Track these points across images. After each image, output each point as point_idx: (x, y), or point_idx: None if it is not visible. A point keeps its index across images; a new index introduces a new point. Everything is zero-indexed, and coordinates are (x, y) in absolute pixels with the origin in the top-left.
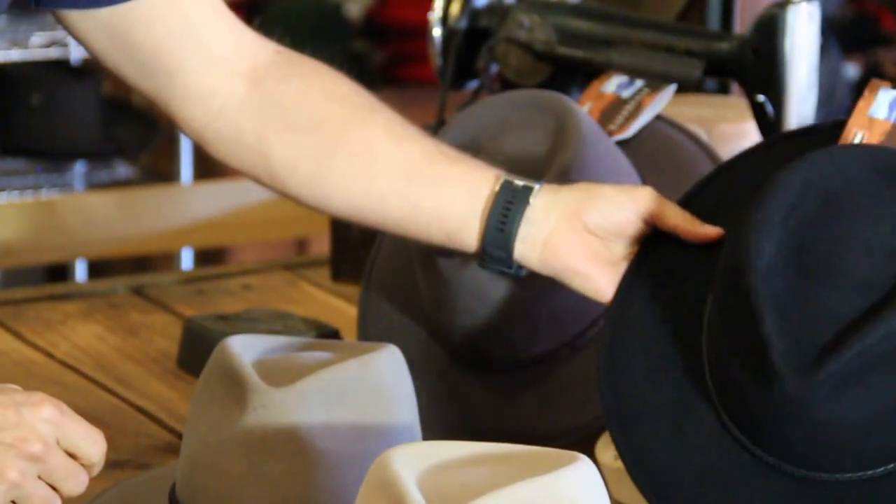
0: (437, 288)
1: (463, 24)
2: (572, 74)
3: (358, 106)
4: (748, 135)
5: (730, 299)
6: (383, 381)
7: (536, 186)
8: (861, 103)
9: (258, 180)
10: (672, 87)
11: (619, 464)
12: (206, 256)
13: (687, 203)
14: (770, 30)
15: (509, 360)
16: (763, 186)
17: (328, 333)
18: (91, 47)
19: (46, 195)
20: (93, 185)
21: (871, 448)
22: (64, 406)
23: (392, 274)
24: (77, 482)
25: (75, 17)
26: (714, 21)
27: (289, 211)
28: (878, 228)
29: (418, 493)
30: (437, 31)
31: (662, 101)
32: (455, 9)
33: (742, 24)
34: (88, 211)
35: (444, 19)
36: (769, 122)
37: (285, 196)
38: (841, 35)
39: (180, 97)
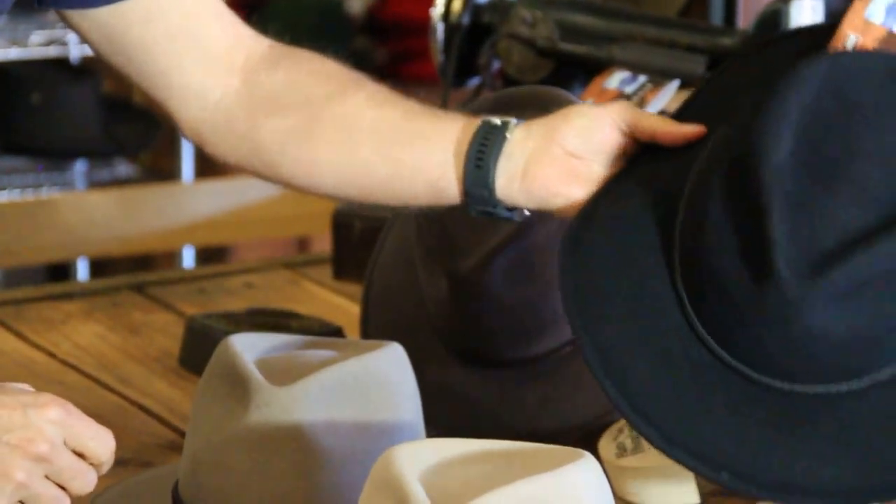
0: (439, 286)
1: (465, 20)
2: (574, 70)
3: (342, 80)
4: None
5: (733, 189)
6: (386, 378)
7: (514, 121)
8: (857, 3)
9: (255, 172)
10: (675, 83)
11: (623, 461)
12: (208, 255)
13: (680, 114)
14: (773, 25)
15: (512, 357)
16: (781, 78)
17: (331, 331)
18: (93, 46)
19: (47, 194)
20: (94, 184)
21: (840, 364)
22: (71, 406)
23: (394, 272)
24: (85, 481)
25: (76, 16)
26: (716, 16)
27: (290, 209)
28: (881, 139)
29: (422, 490)
30: (438, 28)
31: (666, 97)
32: (457, 5)
33: (745, 18)
34: (89, 210)
35: (446, 16)
36: None
37: (281, 183)
38: None
39: (177, 95)
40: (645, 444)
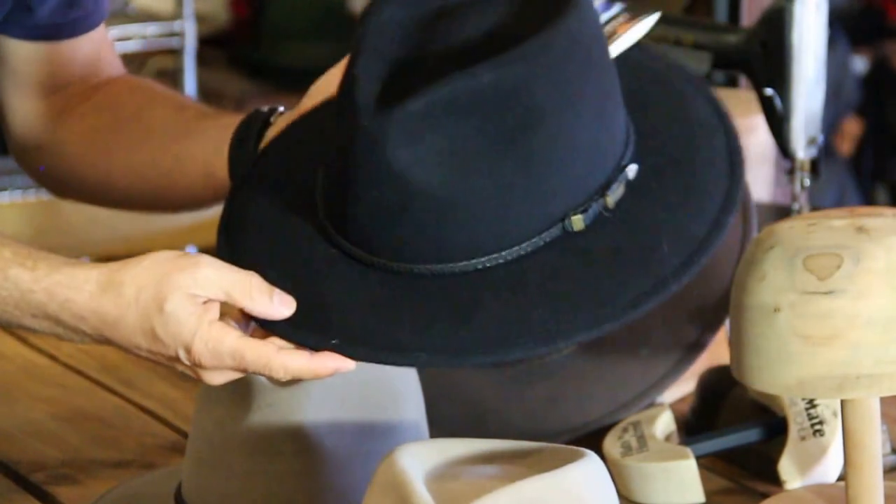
0: None
1: None
2: None
3: (158, 94)
4: (756, 128)
5: (349, 62)
6: (389, 378)
7: (281, 108)
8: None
9: (60, 182)
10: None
11: (628, 460)
12: (211, 255)
13: None
14: (778, 23)
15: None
16: None
17: None
18: None
19: (48, 194)
20: None
21: (452, 236)
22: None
23: None
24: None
25: None
26: (721, 14)
27: None
28: (485, 20)
29: (426, 491)
30: None
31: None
32: None
33: (749, 16)
34: (92, 209)
35: None
36: (777, 115)
37: (79, 192)
38: (848, 28)
39: (22, 115)
40: (650, 443)
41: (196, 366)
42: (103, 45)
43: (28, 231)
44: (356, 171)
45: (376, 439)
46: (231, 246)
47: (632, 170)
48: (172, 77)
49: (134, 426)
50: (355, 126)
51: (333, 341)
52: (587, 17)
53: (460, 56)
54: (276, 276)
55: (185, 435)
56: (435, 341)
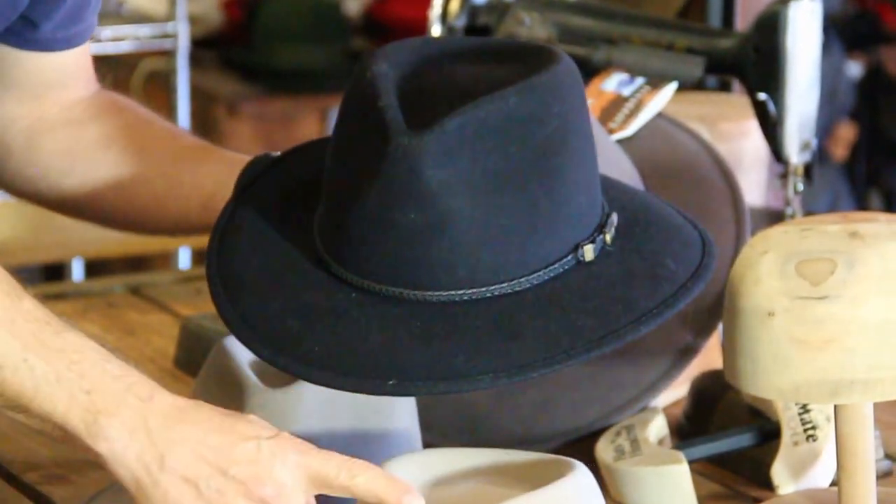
0: None
1: (462, 21)
2: None
3: (148, 115)
4: (749, 133)
5: (351, 108)
6: None
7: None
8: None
9: (38, 195)
10: (673, 85)
11: (620, 464)
12: (204, 255)
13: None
14: (771, 27)
15: None
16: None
17: None
18: None
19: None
20: None
21: (485, 259)
22: (310, 447)
23: None
24: None
25: None
26: (715, 18)
27: None
28: (477, 69)
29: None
30: (436, 29)
31: (663, 99)
32: (454, 6)
33: (743, 21)
34: None
35: (444, 17)
36: (771, 120)
37: (63, 206)
38: (843, 32)
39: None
40: (643, 447)
41: (280, 443)
42: (86, 59)
43: (21, 230)
44: (388, 196)
45: (368, 444)
46: (234, 303)
47: (615, 215)
48: (165, 78)
49: None
50: (389, 149)
51: (391, 382)
52: (572, 63)
53: (463, 93)
54: (300, 326)
55: None
56: (492, 363)
